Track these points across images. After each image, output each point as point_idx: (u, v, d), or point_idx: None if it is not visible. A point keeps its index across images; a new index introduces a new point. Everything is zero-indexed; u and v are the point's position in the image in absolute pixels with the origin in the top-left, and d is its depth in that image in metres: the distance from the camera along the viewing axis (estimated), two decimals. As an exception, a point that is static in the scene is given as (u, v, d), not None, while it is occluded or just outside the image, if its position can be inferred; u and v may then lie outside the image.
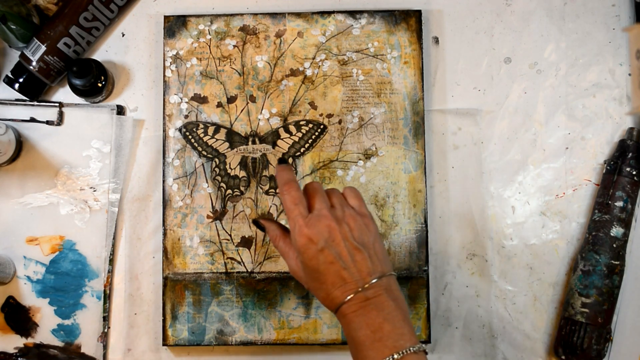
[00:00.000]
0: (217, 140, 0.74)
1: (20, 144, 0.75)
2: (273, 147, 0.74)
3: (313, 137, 0.74)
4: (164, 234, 0.73)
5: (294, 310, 0.72)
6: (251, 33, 0.75)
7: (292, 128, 0.74)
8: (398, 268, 0.72)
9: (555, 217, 0.74)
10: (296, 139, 0.74)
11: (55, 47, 0.72)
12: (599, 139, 0.75)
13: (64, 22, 0.72)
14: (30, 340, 0.73)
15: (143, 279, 0.74)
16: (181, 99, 0.74)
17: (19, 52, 0.74)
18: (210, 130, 0.74)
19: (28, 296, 0.74)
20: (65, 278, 0.74)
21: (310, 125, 0.74)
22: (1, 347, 0.73)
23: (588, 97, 0.75)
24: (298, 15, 0.75)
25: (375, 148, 0.73)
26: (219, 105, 0.74)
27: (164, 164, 0.74)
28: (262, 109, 0.74)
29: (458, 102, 0.76)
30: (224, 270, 0.73)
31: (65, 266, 0.74)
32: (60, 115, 0.76)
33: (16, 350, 0.73)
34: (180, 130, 0.74)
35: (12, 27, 0.70)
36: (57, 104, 0.76)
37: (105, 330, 0.73)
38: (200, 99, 0.74)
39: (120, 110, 0.76)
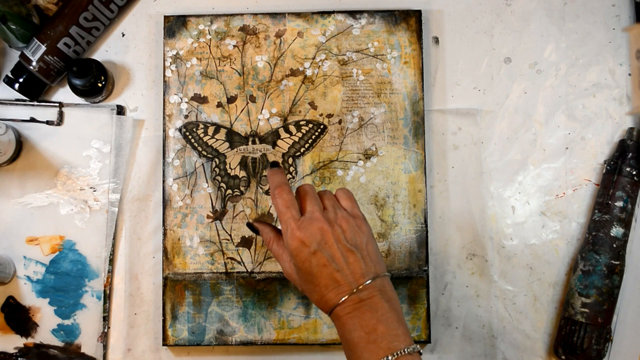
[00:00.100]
0: (217, 140, 0.74)
1: (20, 144, 0.75)
2: (273, 147, 0.74)
3: (313, 137, 0.74)
4: (164, 234, 0.73)
5: (294, 310, 0.72)
6: (251, 33, 0.75)
7: (292, 128, 0.74)
8: (398, 268, 0.72)
9: (555, 217, 0.74)
10: (296, 139, 0.74)
11: (55, 47, 0.72)
12: (599, 139, 0.75)
13: (64, 22, 0.72)
14: (30, 340, 0.73)
15: (143, 279, 0.74)
16: (181, 99, 0.74)
17: (19, 52, 0.74)
18: (210, 130, 0.74)
19: (28, 296, 0.74)
20: (65, 278, 0.74)
21: (310, 125, 0.74)
22: (1, 347, 0.73)
23: (588, 97, 0.75)
24: (298, 15, 0.75)
25: (375, 148, 0.73)
26: (219, 105, 0.74)
27: (164, 164, 0.74)
28: (262, 109, 0.74)
29: (458, 102, 0.76)
30: (224, 270, 0.73)
31: (65, 266, 0.74)
32: (60, 115, 0.76)
33: (16, 350, 0.73)
34: (180, 130, 0.74)
35: (12, 27, 0.70)
36: (57, 104, 0.76)
37: (105, 330, 0.73)
38: (200, 99, 0.74)
39: (120, 110, 0.76)
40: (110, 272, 0.74)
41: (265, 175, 0.73)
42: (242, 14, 0.75)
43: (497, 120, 0.75)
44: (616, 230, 0.70)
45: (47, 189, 0.75)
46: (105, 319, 0.73)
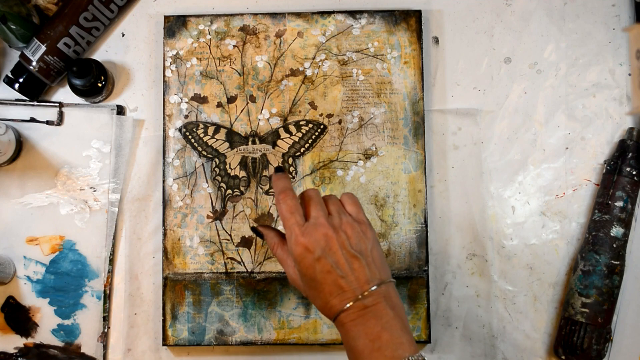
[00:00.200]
0: (217, 140, 0.74)
1: (20, 144, 0.75)
2: (273, 147, 0.74)
3: (313, 137, 0.74)
4: (164, 234, 0.73)
5: (294, 310, 0.72)
6: (251, 33, 0.75)
7: (292, 128, 0.74)
8: (398, 268, 0.72)
9: (555, 217, 0.74)
10: (296, 139, 0.74)
11: (55, 47, 0.72)
12: (599, 139, 0.75)
13: (64, 22, 0.72)
14: (30, 340, 0.73)
15: (143, 279, 0.74)
16: (181, 99, 0.74)
17: (19, 52, 0.74)
18: (210, 130, 0.74)
19: (28, 296, 0.74)
20: (65, 278, 0.74)
21: (310, 125, 0.74)
22: (1, 347, 0.73)
23: (588, 97, 0.75)
24: (298, 15, 0.75)
25: (375, 148, 0.73)
26: (219, 105, 0.74)
27: (164, 164, 0.74)
28: (262, 109, 0.74)
29: (458, 102, 0.76)
30: (224, 270, 0.73)
31: (65, 266, 0.74)
32: (60, 115, 0.76)
33: (16, 350, 0.73)
34: (180, 130, 0.74)
35: (12, 27, 0.70)
36: (57, 104, 0.76)
37: (105, 330, 0.73)
38: (200, 99, 0.74)
39: (120, 110, 0.76)
40: (110, 272, 0.74)
41: (265, 175, 0.73)
42: (242, 14, 0.75)
43: (497, 120, 0.75)
44: (616, 230, 0.70)
45: (47, 189, 0.75)
46: (105, 319, 0.73)
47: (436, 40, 0.76)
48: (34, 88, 0.74)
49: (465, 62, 0.76)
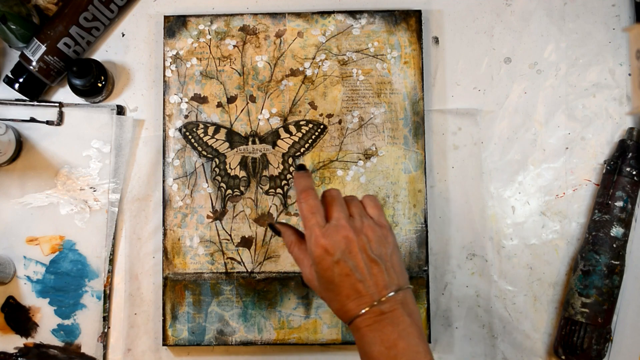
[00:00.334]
0: (217, 140, 0.74)
1: (20, 144, 0.75)
2: (273, 147, 0.74)
3: (313, 137, 0.74)
4: (164, 234, 0.73)
5: (294, 310, 0.72)
6: (251, 33, 0.75)
7: (292, 128, 0.74)
8: (398, 268, 0.72)
9: (555, 217, 0.74)
10: (296, 139, 0.74)
11: (55, 47, 0.72)
12: (599, 139, 0.75)
13: (64, 22, 0.72)
14: (30, 340, 0.73)
15: (143, 279, 0.74)
16: (181, 99, 0.74)
17: (19, 52, 0.74)
18: (210, 130, 0.74)
19: (28, 296, 0.74)
20: (65, 278, 0.74)
21: (310, 125, 0.74)
22: (1, 347, 0.73)
23: (588, 97, 0.75)
24: (298, 15, 0.75)
25: (375, 148, 0.73)
26: (219, 105, 0.74)
27: (164, 164, 0.74)
28: (262, 109, 0.74)
29: (458, 102, 0.76)
30: (224, 270, 0.73)
31: (65, 266, 0.74)
32: (60, 115, 0.76)
33: (16, 350, 0.73)
34: (180, 130, 0.74)
35: (12, 27, 0.70)
36: (57, 104, 0.76)
37: (105, 330, 0.73)
38: (200, 99, 0.74)
39: (120, 110, 0.76)
40: (110, 272, 0.74)
41: (265, 175, 0.73)
42: (242, 14, 0.75)
43: (497, 120, 0.75)
44: (616, 230, 0.70)
45: (47, 189, 0.75)
46: (105, 319, 0.73)
47: (436, 40, 0.76)
48: (34, 88, 0.74)
49: (465, 62, 0.76)
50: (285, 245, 0.59)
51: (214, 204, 0.73)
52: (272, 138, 0.74)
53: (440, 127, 0.75)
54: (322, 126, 0.74)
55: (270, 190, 0.73)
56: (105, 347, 0.73)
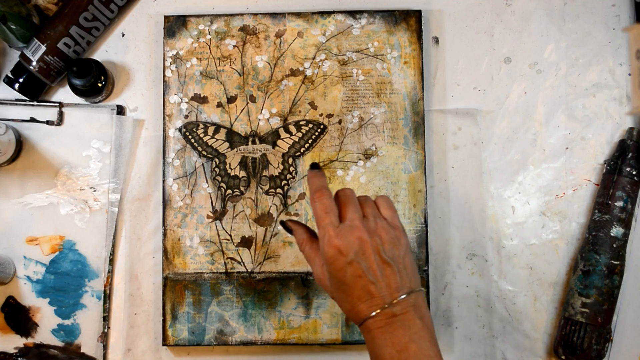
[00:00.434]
0: (217, 140, 0.74)
1: (20, 144, 0.75)
2: (273, 147, 0.74)
3: (313, 137, 0.74)
4: (164, 234, 0.73)
5: (294, 310, 0.72)
6: (251, 33, 0.75)
7: (292, 128, 0.74)
8: (398, 268, 0.72)
9: (555, 217, 0.74)
10: (296, 139, 0.74)
11: (55, 47, 0.72)
12: (599, 139, 0.75)
13: (64, 22, 0.72)
14: (30, 340, 0.73)
15: (143, 279, 0.74)
16: (181, 99, 0.74)
17: (19, 52, 0.74)
18: (210, 130, 0.74)
19: (28, 296, 0.74)
20: (65, 278, 0.74)
21: (310, 125, 0.74)
22: (1, 347, 0.73)
23: (588, 97, 0.75)
24: (298, 15, 0.75)
25: (375, 148, 0.73)
26: (219, 105, 0.74)
27: (164, 164, 0.74)
28: (262, 109, 0.74)
29: (458, 102, 0.76)
30: (224, 270, 0.73)
31: (65, 266, 0.74)
32: (60, 115, 0.76)
33: (16, 350, 0.73)
34: (180, 130, 0.74)
35: (12, 27, 0.70)
36: (57, 104, 0.76)
37: (105, 330, 0.73)
38: (200, 99, 0.74)
39: (120, 110, 0.76)
40: (110, 272, 0.74)
41: (265, 175, 0.73)
42: (242, 14, 0.75)
43: (497, 120, 0.75)
44: (616, 230, 0.70)
45: (47, 189, 0.75)
46: (105, 319, 0.73)
47: (436, 40, 0.76)
48: (34, 88, 0.74)
49: (465, 62, 0.76)
50: (297, 243, 0.58)
51: (214, 204, 0.73)
52: (272, 138, 0.74)
53: (440, 127, 0.75)
54: (322, 126, 0.74)
55: (270, 190, 0.73)
56: (105, 347, 0.73)
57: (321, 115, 0.74)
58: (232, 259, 0.73)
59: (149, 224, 0.75)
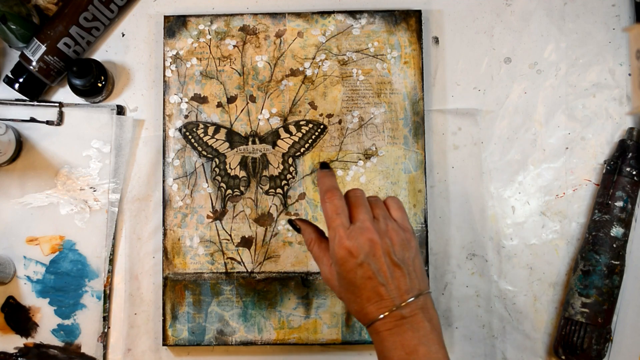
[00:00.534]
0: (217, 140, 0.74)
1: (20, 144, 0.75)
2: (273, 147, 0.74)
3: (313, 137, 0.74)
4: (164, 234, 0.73)
5: (294, 310, 0.72)
6: (251, 33, 0.75)
7: (292, 128, 0.74)
8: (398, 268, 0.72)
9: (555, 217, 0.74)
10: (296, 139, 0.74)
11: (55, 47, 0.72)
12: (599, 139, 0.75)
13: (64, 22, 0.72)
14: (30, 340, 0.73)
15: (143, 279, 0.74)
16: (181, 99, 0.74)
17: (19, 52, 0.74)
18: (210, 130, 0.74)
19: (28, 296, 0.74)
20: (65, 278, 0.74)
21: (310, 125, 0.74)
22: (1, 347, 0.73)
23: (588, 97, 0.75)
24: (298, 15, 0.75)
25: (375, 148, 0.73)
26: (219, 105, 0.74)
27: (164, 164, 0.74)
28: (262, 109, 0.74)
29: (458, 102, 0.76)
30: (224, 270, 0.73)
31: (65, 266, 0.74)
32: (60, 115, 0.76)
33: (16, 350, 0.73)
34: (180, 130, 0.74)
35: (12, 27, 0.70)
36: (57, 104, 0.76)
37: (105, 330, 0.73)
38: (200, 99, 0.74)
39: (120, 110, 0.76)
40: (110, 272, 0.74)
41: (265, 175, 0.73)
42: (242, 14, 0.75)
43: (497, 120, 0.75)
44: (616, 230, 0.70)
45: (47, 189, 0.75)
46: (105, 319, 0.73)
47: (436, 40, 0.76)
48: (34, 88, 0.74)
49: (465, 62, 0.76)
50: (305, 243, 0.58)
51: (214, 204, 0.73)
52: (272, 138, 0.74)
53: (440, 127, 0.75)
54: (322, 126, 0.74)
55: (270, 190, 0.73)
56: (105, 347, 0.73)
57: (321, 115, 0.74)
58: (232, 259, 0.73)
59: (149, 224, 0.75)
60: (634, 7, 0.75)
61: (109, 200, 0.74)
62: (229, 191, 0.73)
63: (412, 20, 0.74)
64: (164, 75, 0.75)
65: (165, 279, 0.72)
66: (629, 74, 0.75)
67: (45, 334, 0.73)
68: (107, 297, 0.74)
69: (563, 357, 0.70)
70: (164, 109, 0.74)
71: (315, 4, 0.76)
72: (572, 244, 0.74)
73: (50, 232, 0.75)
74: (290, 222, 0.60)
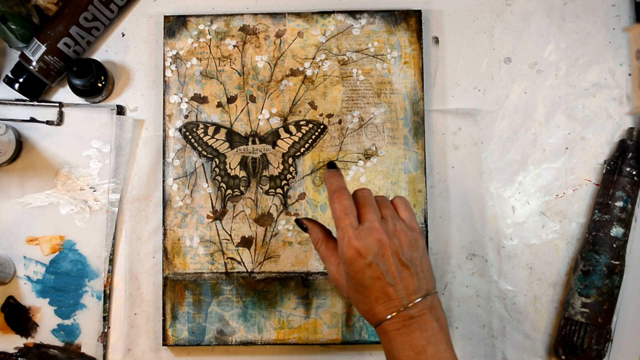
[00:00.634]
0: (217, 140, 0.74)
1: (20, 144, 0.75)
2: (273, 147, 0.74)
3: (313, 137, 0.74)
4: (164, 234, 0.73)
5: (294, 310, 0.72)
6: (251, 33, 0.75)
7: (292, 128, 0.74)
8: (398, 268, 0.72)
9: (555, 217, 0.74)
10: (296, 139, 0.74)
11: (55, 47, 0.72)
12: (599, 139, 0.75)
13: (64, 22, 0.72)
14: (30, 340, 0.73)
15: (143, 279, 0.74)
16: (181, 99, 0.74)
17: (19, 52, 0.74)
18: (210, 130, 0.74)
19: (28, 296, 0.74)
20: (65, 278, 0.74)
21: (310, 125, 0.74)
22: (1, 347, 0.73)
23: (588, 97, 0.75)
24: (298, 15, 0.75)
25: (375, 148, 0.73)
26: (219, 105, 0.74)
27: (164, 164, 0.74)
28: (262, 109, 0.74)
29: (458, 102, 0.76)
30: (224, 270, 0.73)
31: (65, 266, 0.74)
32: (60, 115, 0.76)
33: (16, 350, 0.73)
34: (180, 130, 0.74)
35: (12, 27, 0.70)
36: (57, 104, 0.76)
37: (105, 330, 0.73)
38: (200, 99, 0.74)
39: (120, 110, 0.76)
40: (110, 272, 0.74)
41: (265, 175, 0.73)
42: (242, 14, 0.75)
43: (497, 120, 0.75)
44: (616, 230, 0.70)
45: (47, 189, 0.75)
46: (105, 319, 0.73)
47: (436, 40, 0.76)
48: (34, 88, 0.74)
49: (465, 62, 0.76)
50: (312, 242, 0.59)
51: (214, 204, 0.73)
52: (272, 138, 0.74)
53: (440, 127, 0.75)
54: (322, 126, 0.74)
55: (270, 190, 0.73)
56: (105, 347, 0.73)
57: (321, 115, 0.74)
58: (232, 259, 0.73)
59: (149, 224, 0.75)
60: (634, 7, 0.75)
61: (109, 200, 0.74)
62: (229, 191, 0.73)
63: (412, 20, 0.74)
64: (164, 75, 0.75)
65: (165, 279, 0.73)
66: (629, 74, 0.75)
67: (45, 334, 0.73)
68: (107, 297, 0.74)
69: (563, 357, 0.70)
70: (164, 109, 0.74)
71: (315, 4, 0.76)
72: (572, 244, 0.74)
73: (50, 232, 0.75)
74: (297, 221, 0.60)
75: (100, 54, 0.77)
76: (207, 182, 0.73)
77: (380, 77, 0.74)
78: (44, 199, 0.75)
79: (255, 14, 0.75)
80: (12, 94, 0.75)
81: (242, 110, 0.74)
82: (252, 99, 0.74)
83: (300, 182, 0.73)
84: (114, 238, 0.74)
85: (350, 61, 0.74)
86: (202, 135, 0.74)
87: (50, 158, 0.75)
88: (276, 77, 0.74)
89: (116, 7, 0.75)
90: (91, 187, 0.75)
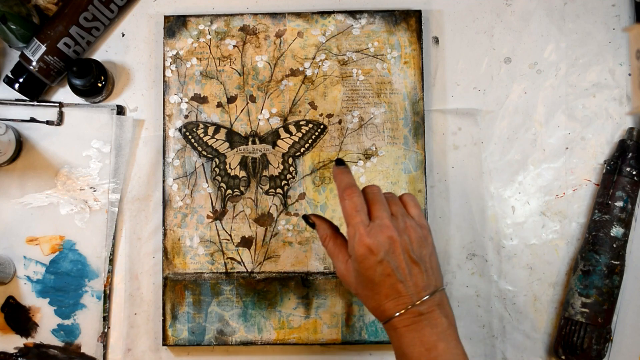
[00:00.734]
0: (217, 140, 0.74)
1: (20, 144, 0.75)
2: (273, 147, 0.74)
3: (313, 137, 0.74)
4: (164, 234, 0.73)
5: (294, 310, 0.72)
6: (251, 33, 0.75)
7: (292, 128, 0.74)
8: (398, 268, 0.72)
9: (555, 217, 0.74)
10: (296, 139, 0.74)
11: (55, 47, 0.72)
12: (599, 139, 0.75)
13: (64, 22, 0.72)
14: (30, 340, 0.73)
15: (143, 279, 0.74)
16: (181, 99, 0.74)
17: (19, 52, 0.74)
18: (210, 130, 0.74)
19: (28, 296, 0.74)
20: (65, 278, 0.74)
21: (310, 125, 0.74)
22: (1, 347, 0.73)
23: (588, 97, 0.75)
24: (298, 15, 0.75)
25: (375, 148, 0.73)
26: (219, 105, 0.74)
27: (164, 164, 0.74)
28: (262, 109, 0.74)
29: (458, 102, 0.76)
30: (224, 270, 0.73)
31: (65, 266, 0.74)
32: (60, 115, 0.76)
33: (16, 350, 0.73)
34: (180, 130, 0.74)
35: (12, 27, 0.70)
36: (57, 104, 0.76)
37: (105, 330, 0.73)
38: (200, 99, 0.74)
39: (120, 110, 0.76)
40: (110, 272, 0.74)
41: (265, 175, 0.73)
42: (242, 14, 0.75)
43: (497, 120, 0.75)
44: (616, 230, 0.70)
45: (47, 189, 0.75)
46: (105, 319, 0.73)
47: (436, 40, 0.76)
48: (34, 88, 0.74)
49: (465, 62, 0.76)
50: (319, 238, 0.59)
51: (214, 204, 0.73)
52: (272, 138, 0.74)
53: (440, 127, 0.75)
54: (322, 126, 0.74)
55: (270, 190, 0.73)
56: (105, 347, 0.73)
57: (321, 115, 0.74)
58: (232, 259, 0.73)
59: (149, 224, 0.75)
60: (634, 7, 0.75)
61: (109, 200, 0.74)
62: (229, 191, 0.73)
63: (412, 20, 0.74)
64: (164, 75, 0.75)
65: (165, 279, 0.73)
66: (629, 74, 0.75)
67: (45, 334, 0.73)
68: (107, 297, 0.74)
69: (563, 357, 0.70)
70: (164, 109, 0.74)
71: (315, 4, 0.76)
72: (572, 244, 0.74)
73: (50, 232, 0.75)
74: (304, 217, 0.60)
75: (100, 54, 0.77)
76: (207, 182, 0.73)
77: (380, 77, 0.74)
78: (44, 199, 0.75)
79: (255, 14, 0.75)
80: (12, 94, 0.75)
81: (242, 110, 0.74)
82: (252, 99, 0.74)
83: (300, 182, 0.73)
84: (114, 238, 0.74)
85: (350, 61, 0.74)
86: (202, 135, 0.74)
87: (50, 158, 0.75)
88: (276, 77, 0.74)
89: (116, 7, 0.75)
90: (91, 187, 0.75)
